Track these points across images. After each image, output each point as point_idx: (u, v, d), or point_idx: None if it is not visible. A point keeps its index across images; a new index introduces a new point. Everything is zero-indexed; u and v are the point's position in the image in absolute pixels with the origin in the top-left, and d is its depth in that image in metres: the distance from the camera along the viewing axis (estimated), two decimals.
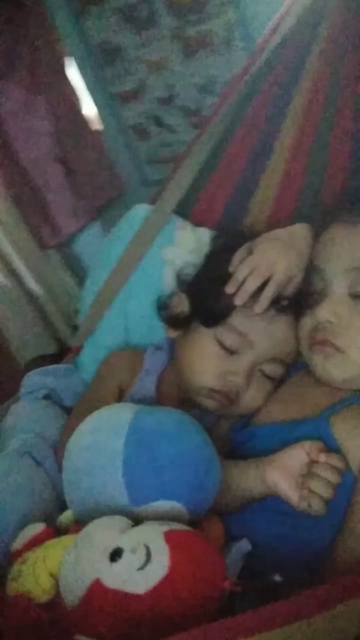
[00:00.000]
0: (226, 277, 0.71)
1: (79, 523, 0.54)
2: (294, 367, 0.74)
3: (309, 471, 0.56)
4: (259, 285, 0.67)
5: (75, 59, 1.69)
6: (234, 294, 0.68)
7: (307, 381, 0.71)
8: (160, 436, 0.56)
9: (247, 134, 0.91)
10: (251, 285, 0.67)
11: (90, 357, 0.89)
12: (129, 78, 1.66)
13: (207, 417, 0.72)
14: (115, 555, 0.44)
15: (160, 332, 0.86)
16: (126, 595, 0.42)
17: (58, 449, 0.74)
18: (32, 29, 1.63)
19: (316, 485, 0.55)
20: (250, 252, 0.70)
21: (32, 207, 2.02)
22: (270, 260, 0.68)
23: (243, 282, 0.68)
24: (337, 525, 0.57)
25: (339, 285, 0.63)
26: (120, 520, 0.49)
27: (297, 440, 0.61)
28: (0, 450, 0.74)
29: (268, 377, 0.71)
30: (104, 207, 1.98)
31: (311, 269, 0.68)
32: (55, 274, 2.19)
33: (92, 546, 0.46)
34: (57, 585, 0.47)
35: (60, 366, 0.87)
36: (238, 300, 0.68)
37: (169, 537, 0.45)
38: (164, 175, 1.81)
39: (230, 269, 0.70)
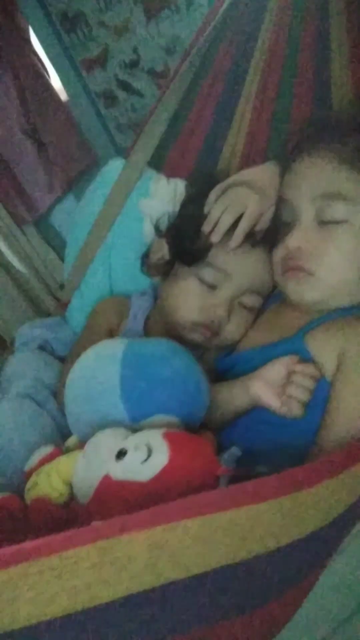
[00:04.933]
0: (201, 218, 0.75)
1: (84, 443, 0.59)
2: (270, 299, 0.79)
3: (288, 380, 0.62)
4: (232, 222, 0.72)
5: (36, 28, 1.68)
6: (211, 232, 0.73)
7: (281, 309, 0.76)
8: (152, 358, 0.61)
9: (213, 84, 0.95)
10: (226, 222, 0.72)
11: (78, 310, 0.93)
12: (93, 44, 1.66)
13: (192, 352, 0.78)
14: (121, 454, 0.50)
15: (143, 281, 0.91)
16: (132, 484, 0.47)
17: (58, 392, 0.79)
18: None
19: (294, 391, 0.61)
20: (222, 193, 0.75)
21: (5, 185, 2.03)
22: (242, 198, 0.73)
23: (218, 220, 0.73)
24: (314, 428, 0.63)
25: (306, 214, 0.68)
26: (122, 430, 0.55)
27: (277, 358, 0.67)
28: (1, 396, 0.79)
29: (247, 308, 0.76)
30: (77, 178, 1.99)
31: (280, 202, 0.73)
32: (34, 248, 2.21)
33: (100, 449, 0.51)
34: (70, 490, 0.52)
35: (51, 319, 0.92)
36: (215, 237, 0.72)
37: (167, 435, 0.51)
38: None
39: (206, 210, 0.75)
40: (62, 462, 0.54)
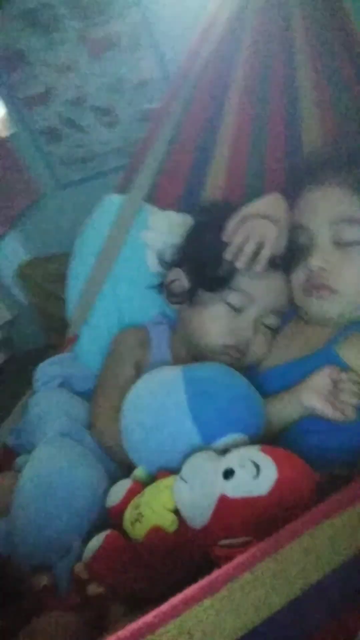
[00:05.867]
0: (221, 247, 0.79)
1: (164, 470, 0.60)
2: (285, 318, 0.85)
3: (336, 388, 0.68)
4: (255, 249, 0.78)
5: None
6: (235, 260, 0.78)
7: (300, 326, 0.83)
8: (214, 381, 0.65)
9: (193, 125, 1.01)
10: (250, 249, 0.77)
11: (89, 344, 0.93)
12: (35, 82, 1.67)
13: None
14: (228, 473, 0.52)
15: (151, 310, 0.94)
16: (253, 499, 0.49)
17: (92, 428, 0.78)
18: None
19: (346, 396, 0.66)
20: (240, 222, 0.80)
21: None
22: (261, 227, 0.78)
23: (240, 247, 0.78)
24: None
25: (324, 238, 0.76)
26: (212, 452, 0.57)
27: (311, 371, 0.72)
28: (33, 440, 0.77)
29: (269, 327, 0.82)
30: (19, 215, 1.96)
31: (296, 229, 0.79)
32: None
33: (204, 472, 0.53)
34: (177, 517, 0.53)
35: (65, 355, 0.91)
36: (240, 264, 0.77)
37: (265, 450, 0.54)
38: (81, 175, 1.86)
39: (225, 239, 0.79)
40: (158, 492, 0.55)
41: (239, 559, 0.37)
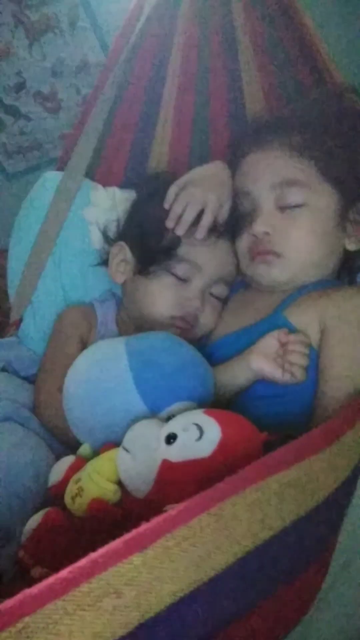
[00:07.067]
0: (163, 216, 0.77)
1: (108, 443, 0.57)
2: (232, 288, 0.84)
3: (284, 350, 0.66)
4: (195, 215, 0.75)
5: None
6: (175, 227, 0.75)
7: (249, 294, 0.81)
8: (157, 349, 0.62)
9: (134, 97, 0.98)
10: (189, 215, 0.75)
11: (33, 327, 0.89)
12: None
13: None
14: (171, 438, 0.49)
15: (96, 288, 0.91)
16: (195, 462, 0.47)
17: (37, 410, 0.74)
18: None
19: (294, 357, 0.65)
20: (180, 189, 0.78)
21: None
22: (202, 192, 0.76)
23: (181, 215, 0.76)
24: (310, 397, 0.67)
25: (266, 202, 0.74)
26: (155, 420, 0.54)
27: (262, 336, 0.70)
28: None
29: (217, 297, 0.80)
30: None
31: (238, 195, 0.78)
32: None
33: (146, 439, 0.50)
34: (119, 487, 0.50)
35: (7, 339, 0.87)
36: (179, 231, 0.75)
37: (208, 412, 0.51)
38: (27, 165, 1.80)
39: (166, 206, 0.77)
40: (100, 464, 0.52)
41: (172, 512, 0.35)
